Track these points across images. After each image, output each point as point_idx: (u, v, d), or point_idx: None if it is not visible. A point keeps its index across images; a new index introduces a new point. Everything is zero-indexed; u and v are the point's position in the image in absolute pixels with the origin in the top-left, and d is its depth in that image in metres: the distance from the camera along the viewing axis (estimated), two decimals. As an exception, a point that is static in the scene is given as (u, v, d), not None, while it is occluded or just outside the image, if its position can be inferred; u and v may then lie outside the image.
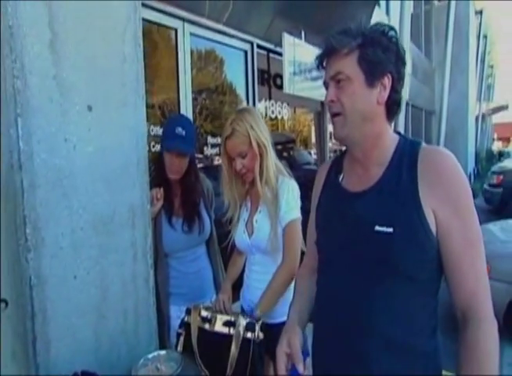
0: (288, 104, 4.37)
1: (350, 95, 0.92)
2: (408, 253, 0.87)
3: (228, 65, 3.53)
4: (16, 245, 1.14)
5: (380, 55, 0.91)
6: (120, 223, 1.40)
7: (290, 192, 1.51)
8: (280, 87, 3.90)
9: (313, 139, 5.42)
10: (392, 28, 0.94)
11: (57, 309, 1.21)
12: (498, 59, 25.62)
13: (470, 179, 13.51)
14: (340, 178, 1.04)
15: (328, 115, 4.98)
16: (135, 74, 1.44)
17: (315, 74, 4.06)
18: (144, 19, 1.58)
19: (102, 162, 1.34)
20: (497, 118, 29.93)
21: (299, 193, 1.55)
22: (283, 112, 4.33)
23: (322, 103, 4.84)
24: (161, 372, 1.20)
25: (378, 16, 7.39)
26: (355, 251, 0.94)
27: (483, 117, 19.63)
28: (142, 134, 1.49)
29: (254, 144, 1.48)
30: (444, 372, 0.96)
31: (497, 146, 29.99)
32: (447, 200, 0.87)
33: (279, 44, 3.61)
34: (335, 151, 5.95)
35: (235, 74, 3.62)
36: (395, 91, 0.95)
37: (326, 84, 0.98)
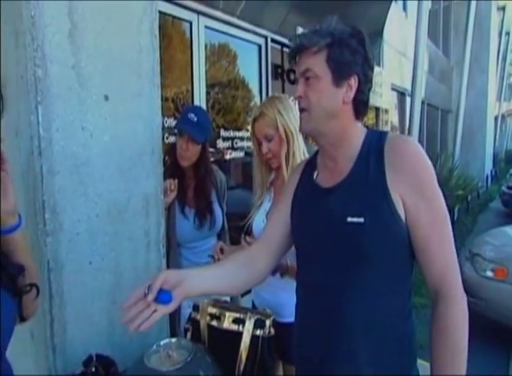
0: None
1: (317, 93, 0.96)
2: (379, 240, 0.90)
3: (241, 59, 3.53)
4: (36, 229, 1.18)
5: (347, 56, 0.94)
6: (134, 212, 1.42)
7: None
8: (293, 82, 3.89)
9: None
10: (361, 32, 0.98)
11: (73, 293, 1.25)
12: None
13: (487, 181, 13.17)
14: (315, 176, 1.07)
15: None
16: (150, 64, 1.46)
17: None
18: (159, 12, 1.60)
19: (117, 151, 1.36)
20: (517, 119, 29.15)
21: None
22: (295, 108, 4.31)
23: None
24: (172, 359, 1.22)
25: (395, 12, 7.27)
26: (329, 244, 0.96)
27: (503, 117, 19.18)
28: (157, 124, 1.51)
29: (281, 129, 1.48)
30: (419, 361, 0.99)
31: (517, 147, 29.16)
32: (412, 185, 0.90)
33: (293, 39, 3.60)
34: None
35: (248, 68, 3.62)
36: (362, 92, 0.98)
37: (296, 81, 1.02)
